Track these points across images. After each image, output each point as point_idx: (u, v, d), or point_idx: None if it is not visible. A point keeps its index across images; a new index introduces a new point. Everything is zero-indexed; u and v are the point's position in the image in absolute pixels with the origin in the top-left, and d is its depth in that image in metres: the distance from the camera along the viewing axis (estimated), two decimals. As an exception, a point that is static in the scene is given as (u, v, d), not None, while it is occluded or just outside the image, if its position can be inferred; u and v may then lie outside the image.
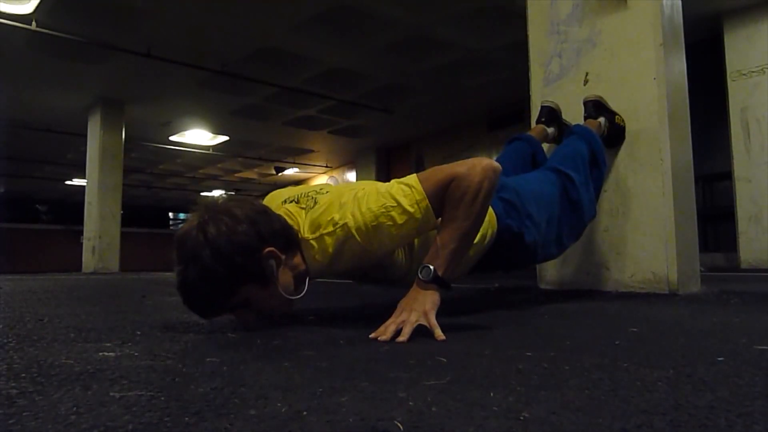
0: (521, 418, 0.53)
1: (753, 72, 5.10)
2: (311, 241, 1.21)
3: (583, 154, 1.90)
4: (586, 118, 2.13)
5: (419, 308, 1.10)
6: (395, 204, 1.15)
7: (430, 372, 0.74)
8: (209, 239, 1.10)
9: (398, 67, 6.28)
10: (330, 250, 1.19)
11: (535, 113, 2.43)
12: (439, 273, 1.13)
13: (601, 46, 2.22)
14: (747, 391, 0.62)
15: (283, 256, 1.19)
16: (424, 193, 1.16)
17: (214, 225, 1.12)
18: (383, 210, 1.15)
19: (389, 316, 1.11)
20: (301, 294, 1.25)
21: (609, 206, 2.15)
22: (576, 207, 1.78)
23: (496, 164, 1.21)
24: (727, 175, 5.32)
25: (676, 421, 0.51)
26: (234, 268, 1.11)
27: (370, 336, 1.05)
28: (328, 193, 1.29)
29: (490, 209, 1.51)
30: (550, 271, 2.36)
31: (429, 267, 1.13)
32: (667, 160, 2.00)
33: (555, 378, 0.70)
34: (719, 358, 0.81)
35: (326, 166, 12.75)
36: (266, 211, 1.22)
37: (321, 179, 13.74)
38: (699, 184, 5.15)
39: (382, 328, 1.08)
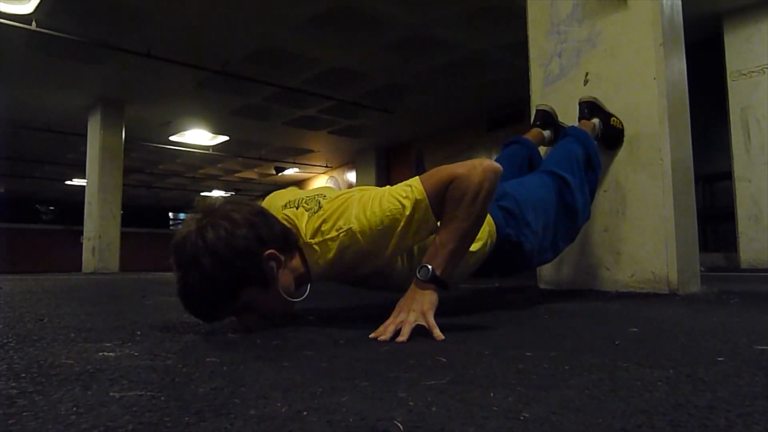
0: (521, 418, 0.53)
1: (753, 72, 5.10)
2: (314, 246, 1.21)
3: (578, 155, 1.89)
4: (580, 119, 2.13)
5: (417, 308, 1.10)
6: (399, 206, 1.15)
7: (430, 372, 0.74)
8: (208, 245, 1.09)
9: (398, 67, 6.28)
10: (331, 254, 1.19)
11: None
12: (438, 273, 1.13)
13: (601, 46, 2.22)
14: (747, 391, 0.62)
15: (283, 258, 1.18)
16: (424, 192, 1.16)
17: (212, 230, 1.11)
18: (388, 214, 1.15)
19: (389, 316, 1.11)
20: (303, 297, 1.26)
21: (609, 206, 2.15)
22: (571, 211, 1.78)
23: (497, 165, 1.21)
24: (727, 175, 5.31)
25: (676, 421, 0.51)
26: (235, 272, 1.11)
27: (369, 336, 1.05)
28: (331, 198, 1.28)
29: (490, 218, 1.51)
30: (550, 271, 2.36)
31: (427, 267, 1.13)
32: (667, 160, 2.00)
33: (555, 378, 0.70)
34: (719, 358, 0.81)
35: (326, 166, 12.75)
36: (264, 213, 1.22)
37: (321, 179, 13.75)
38: (699, 184, 5.15)
39: (381, 329, 1.08)
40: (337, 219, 1.19)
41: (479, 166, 1.17)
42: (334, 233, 1.18)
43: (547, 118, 2.25)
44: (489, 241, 1.51)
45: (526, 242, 1.57)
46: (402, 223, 1.15)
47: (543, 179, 1.78)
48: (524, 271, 1.83)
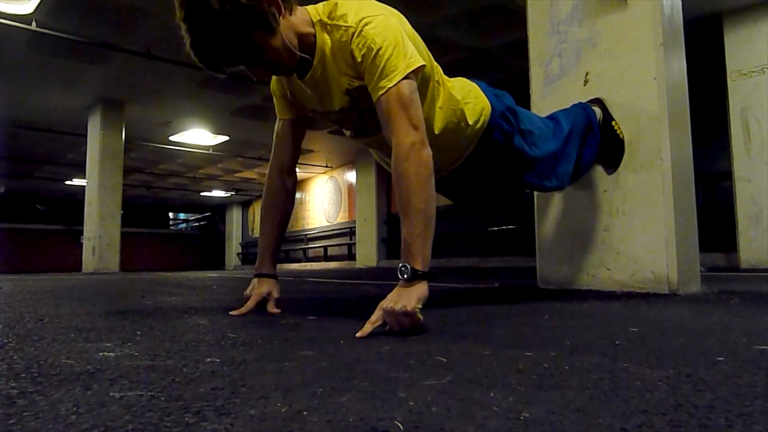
0: (521, 418, 0.53)
1: (753, 72, 5.10)
2: (328, 25, 1.31)
3: (578, 115, 2.01)
4: None
5: (403, 303, 1.10)
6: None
7: (430, 372, 0.74)
8: None
9: (398, 67, 6.28)
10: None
11: (535, 113, 2.43)
12: (418, 268, 1.14)
13: (601, 46, 2.22)
14: (747, 391, 0.62)
15: (283, 7, 1.25)
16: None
17: None
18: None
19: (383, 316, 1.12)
20: (308, 57, 1.33)
21: (609, 206, 2.15)
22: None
23: (428, 151, 1.23)
24: (727, 175, 5.31)
25: (676, 421, 0.51)
26: (240, 8, 1.17)
27: (356, 335, 1.06)
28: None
29: (485, 99, 1.62)
30: (550, 271, 2.36)
31: (406, 266, 1.14)
32: (667, 160, 2.00)
33: (555, 378, 0.70)
34: (719, 358, 0.81)
35: (326, 166, 12.75)
36: None
37: (321, 179, 13.75)
38: (699, 184, 5.15)
39: (368, 326, 1.09)
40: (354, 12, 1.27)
41: (416, 158, 1.20)
42: (344, 22, 1.27)
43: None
44: (482, 120, 1.60)
45: (516, 139, 1.66)
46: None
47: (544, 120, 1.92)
48: (517, 179, 1.85)
